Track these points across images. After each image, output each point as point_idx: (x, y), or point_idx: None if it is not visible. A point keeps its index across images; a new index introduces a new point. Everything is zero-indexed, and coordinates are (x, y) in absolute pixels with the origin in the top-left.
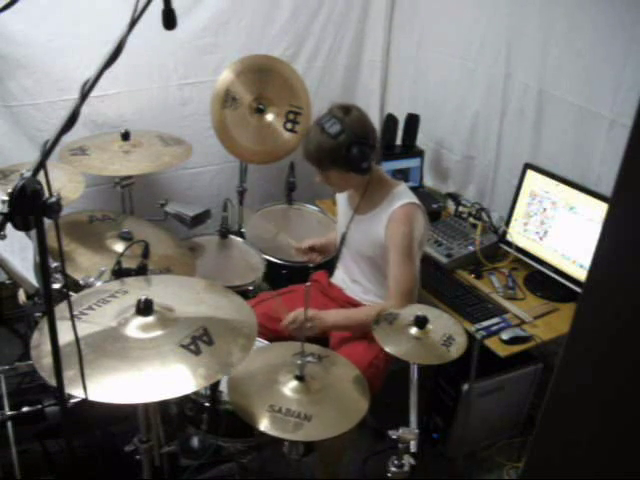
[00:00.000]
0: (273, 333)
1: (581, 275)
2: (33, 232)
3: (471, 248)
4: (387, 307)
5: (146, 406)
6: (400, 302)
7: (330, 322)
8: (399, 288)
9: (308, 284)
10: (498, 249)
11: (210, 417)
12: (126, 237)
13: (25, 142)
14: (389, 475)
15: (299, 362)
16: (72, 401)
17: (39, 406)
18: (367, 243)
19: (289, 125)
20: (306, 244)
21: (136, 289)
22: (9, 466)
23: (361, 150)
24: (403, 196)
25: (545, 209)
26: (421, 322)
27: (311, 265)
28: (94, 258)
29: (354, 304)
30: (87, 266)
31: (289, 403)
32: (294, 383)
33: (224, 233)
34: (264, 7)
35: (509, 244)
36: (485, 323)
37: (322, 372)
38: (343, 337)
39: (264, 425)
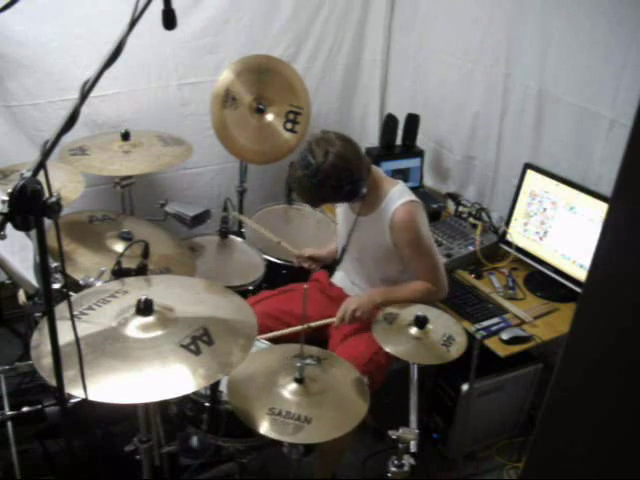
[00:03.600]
0: (273, 331)
1: (581, 275)
2: (33, 232)
3: (471, 248)
4: (429, 288)
5: (146, 406)
6: (438, 287)
7: (379, 302)
8: (427, 278)
9: (306, 286)
10: (498, 249)
11: (210, 417)
12: (126, 237)
13: (25, 142)
14: (389, 475)
15: (298, 364)
16: (72, 401)
17: (39, 406)
18: (370, 244)
19: (289, 125)
20: (307, 253)
21: (136, 289)
22: (9, 466)
23: (351, 188)
24: (402, 195)
25: (545, 209)
26: (421, 322)
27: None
28: (94, 258)
29: None
30: (87, 266)
31: (289, 406)
32: (293, 385)
33: (224, 233)
34: (264, 7)
35: (509, 244)
36: (485, 323)
37: (321, 374)
38: (344, 334)
39: (264, 428)
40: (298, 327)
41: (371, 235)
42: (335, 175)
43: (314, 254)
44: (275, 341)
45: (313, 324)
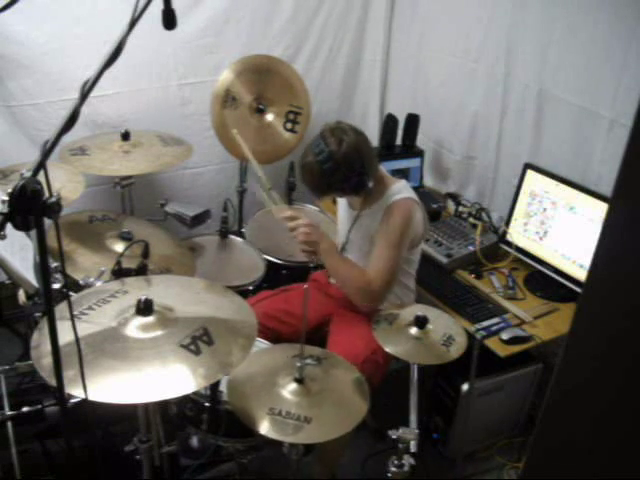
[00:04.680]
0: (273, 332)
1: (581, 275)
2: (33, 232)
3: (471, 248)
4: (367, 281)
5: (146, 406)
6: (376, 281)
7: (324, 247)
8: (375, 271)
9: (306, 286)
10: (498, 249)
11: (210, 417)
12: (126, 237)
13: (25, 142)
14: (389, 475)
15: (298, 364)
16: (72, 401)
17: (39, 406)
18: (366, 238)
19: (289, 125)
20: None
21: (136, 289)
22: (9, 466)
23: (359, 179)
24: (401, 192)
25: (545, 209)
26: (421, 322)
27: (311, 265)
28: (94, 258)
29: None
30: (87, 266)
31: (289, 406)
32: (293, 385)
33: (224, 233)
34: (264, 7)
35: (509, 244)
36: (485, 323)
37: (321, 374)
38: (341, 333)
39: (264, 428)
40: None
41: (370, 228)
42: (347, 164)
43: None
44: (275, 341)
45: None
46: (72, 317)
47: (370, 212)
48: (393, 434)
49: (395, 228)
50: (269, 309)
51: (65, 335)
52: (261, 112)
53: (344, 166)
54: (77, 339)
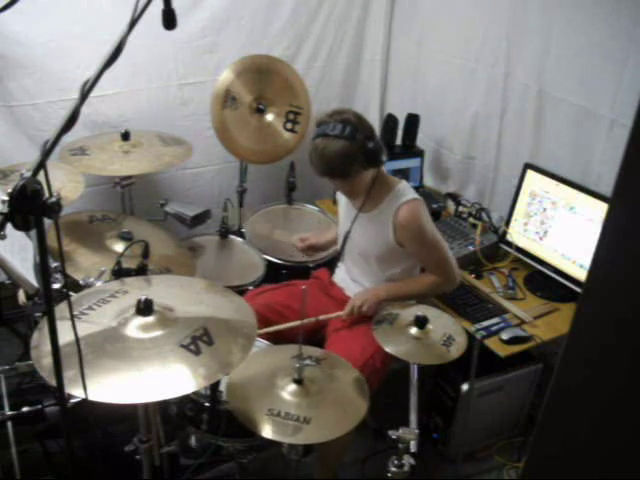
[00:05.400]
0: (272, 324)
1: (581, 275)
2: (33, 232)
3: (471, 248)
4: (435, 281)
5: (146, 406)
6: (447, 279)
7: (383, 297)
8: (438, 271)
9: (304, 287)
10: (498, 249)
11: (210, 417)
12: (126, 237)
13: (25, 142)
14: (389, 475)
15: (297, 365)
16: (72, 401)
17: (39, 406)
18: (372, 241)
19: (289, 125)
20: (307, 243)
21: (136, 289)
22: (9, 466)
23: (377, 142)
24: (405, 193)
25: (545, 209)
26: (421, 322)
27: (311, 265)
28: (94, 258)
29: None
30: (87, 266)
31: (288, 406)
32: (293, 386)
33: (224, 233)
34: (264, 7)
35: (509, 244)
36: (485, 323)
37: (320, 375)
38: (339, 337)
39: (264, 429)
40: (297, 322)
41: (373, 232)
42: (364, 123)
43: (313, 243)
44: (274, 341)
45: (321, 317)
46: (72, 317)
47: (373, 215)
48: (393, 434)
49: (421, 232)
50: (271, 301)
51: (65, 335)
52: (261, 112)
53: (361, 127)
54: (77, 339)
